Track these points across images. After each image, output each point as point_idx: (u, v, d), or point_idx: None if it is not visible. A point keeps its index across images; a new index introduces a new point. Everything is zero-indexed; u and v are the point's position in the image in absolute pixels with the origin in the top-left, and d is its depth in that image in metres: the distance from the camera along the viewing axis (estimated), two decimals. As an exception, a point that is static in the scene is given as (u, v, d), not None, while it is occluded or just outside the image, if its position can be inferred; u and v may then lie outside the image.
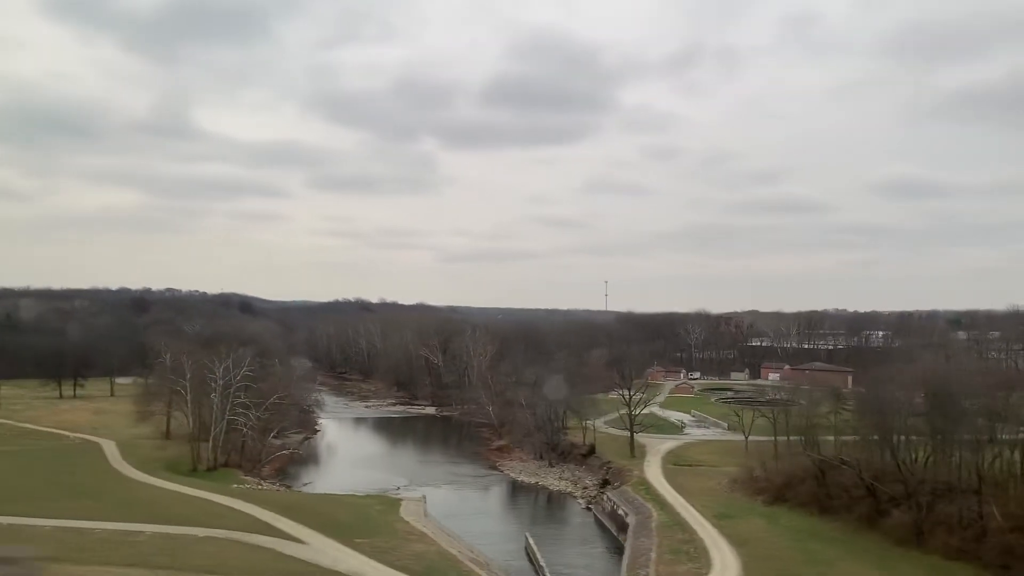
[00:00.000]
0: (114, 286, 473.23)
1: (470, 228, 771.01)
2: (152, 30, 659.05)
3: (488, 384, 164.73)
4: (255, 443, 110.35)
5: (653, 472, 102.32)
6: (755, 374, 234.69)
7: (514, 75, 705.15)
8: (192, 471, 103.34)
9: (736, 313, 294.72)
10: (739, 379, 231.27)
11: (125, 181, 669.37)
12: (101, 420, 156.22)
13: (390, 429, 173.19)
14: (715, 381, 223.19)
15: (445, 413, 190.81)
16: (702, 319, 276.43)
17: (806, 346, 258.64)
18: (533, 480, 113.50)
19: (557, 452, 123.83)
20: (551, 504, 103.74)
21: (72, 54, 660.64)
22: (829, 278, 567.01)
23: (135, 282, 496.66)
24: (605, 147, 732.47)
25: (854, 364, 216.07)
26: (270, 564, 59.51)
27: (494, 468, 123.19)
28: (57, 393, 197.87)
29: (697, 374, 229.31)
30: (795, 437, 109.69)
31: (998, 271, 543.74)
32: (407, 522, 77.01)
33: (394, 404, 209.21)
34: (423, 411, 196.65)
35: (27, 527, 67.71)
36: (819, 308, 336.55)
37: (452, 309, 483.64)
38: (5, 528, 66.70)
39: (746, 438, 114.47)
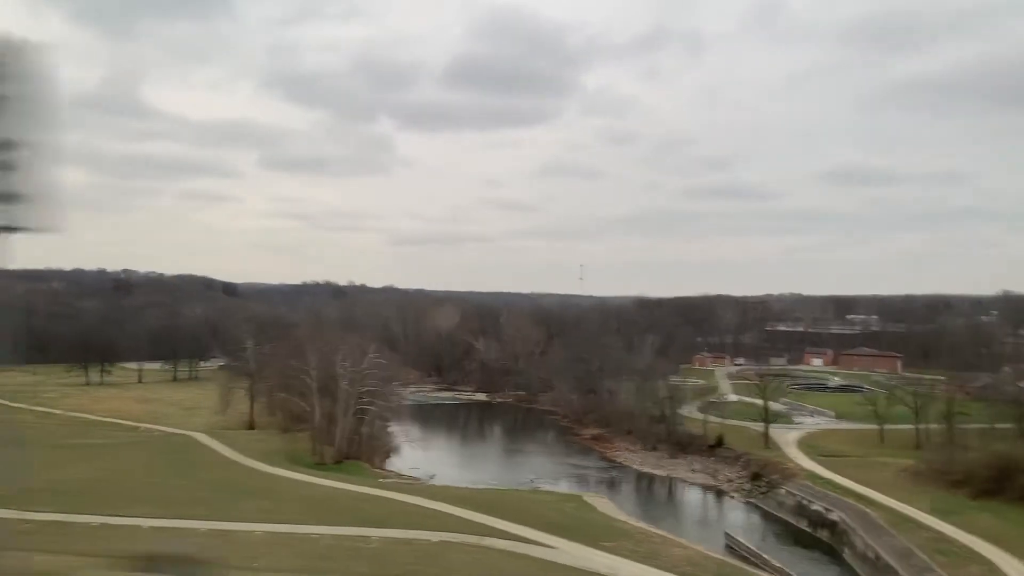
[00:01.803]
0: (67, 266, 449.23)
1: (424, 211, 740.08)
2: (106, 1, 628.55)
3: (559, 371, 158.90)
4: (375, 433, 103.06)
5: (808, 464, 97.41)
6: (794, 359, 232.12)
7: (478, 56, 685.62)
8: (319, 464, 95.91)
9: (769, 296, 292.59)
10: (779, 364, 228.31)
11: (69, 158, 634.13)
12: (156, 409, 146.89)
13: (455, 416, 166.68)
14: (764, 367, 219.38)
15: (499, 400, 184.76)
16: (729, 303, 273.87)
17: (835, 331, 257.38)
18: (663, 473, 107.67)
19: (672, 443, 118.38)
20: (697, 498, 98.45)
21: (18, 24, 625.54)
22: (776, 262, 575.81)
23: (86, 262, 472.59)
24: (564, 131, 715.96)
25: (900, 349, 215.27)
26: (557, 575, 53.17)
27: (608, 459, 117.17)
28: (83, 380, 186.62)
29: (741, 360, 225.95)
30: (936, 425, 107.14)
31: (933, 255, 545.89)
32: (625, 521, 71.08)
33: (437, 390, 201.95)
34: (472, 397, 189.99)
35: (234, 532, 60.24)
36: (774, 292, 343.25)
37: (420, 292, 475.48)
38: (210, 533, 59.20)
39: (881, 428, 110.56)
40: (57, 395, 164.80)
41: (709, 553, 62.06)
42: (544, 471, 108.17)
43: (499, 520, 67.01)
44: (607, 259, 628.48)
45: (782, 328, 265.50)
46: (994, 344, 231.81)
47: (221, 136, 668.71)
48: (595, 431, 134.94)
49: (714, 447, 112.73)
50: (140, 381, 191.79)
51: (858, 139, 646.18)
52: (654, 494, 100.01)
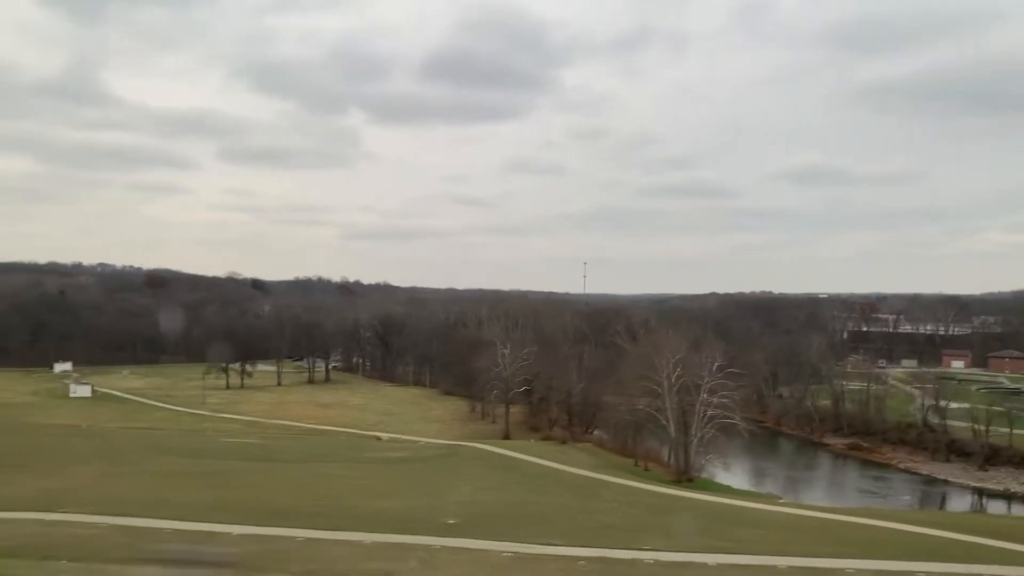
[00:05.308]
0: (41, 260, 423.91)
1: (383, 206, 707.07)
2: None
3: (765, 377, 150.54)
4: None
5: None
6: (926, 362, 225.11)
7: (458, 50, 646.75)
8: (676, 480, 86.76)
9: (878, 296, 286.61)
10: (911, 367, 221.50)
11: (19, 147, 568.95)
12: (355, 416, 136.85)
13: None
14: (905, 369, 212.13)
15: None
16: (835, 304, 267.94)
17: (950, 332, 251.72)
18: (997, 487, 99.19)
19: (968, 453, 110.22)
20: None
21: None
22: (728, 260, 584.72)
23: (39, 255, 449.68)
24: (535, 127, 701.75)
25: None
26: None
27: (912, 473, 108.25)
28: (224, 382, 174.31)
29: (883, 362, 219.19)
30: None
31: (882, 255, 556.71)
32: None
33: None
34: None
35: (829, 570, 50.81)
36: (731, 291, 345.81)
37: (413, 289, 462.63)
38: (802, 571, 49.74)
39: None
40: (221, 400, 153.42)
41: None
42: (872, 487, 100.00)
43: None
44: (563, 255, 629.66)
45: (905, 330, 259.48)
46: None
47: (181, 126, 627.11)
48: (846, 440, 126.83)
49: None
50: (279, 384, 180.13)
51: (824, 140, 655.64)
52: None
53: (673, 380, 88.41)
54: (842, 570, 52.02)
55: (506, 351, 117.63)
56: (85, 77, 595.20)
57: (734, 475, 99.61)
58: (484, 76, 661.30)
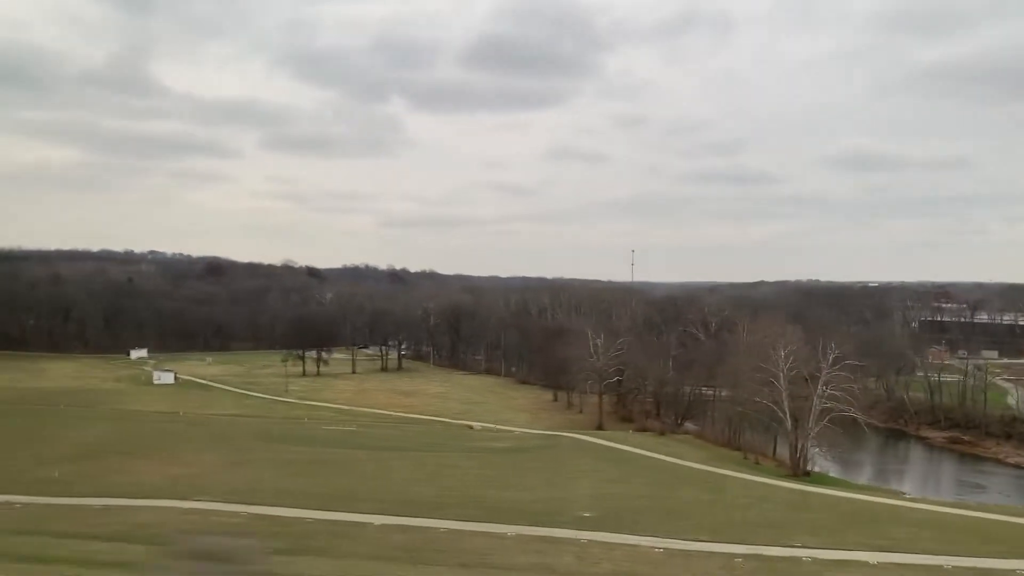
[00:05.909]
0: (93, 247, 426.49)
1: (424, 193, 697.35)
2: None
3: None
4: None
5: None
6: (1008, 353, 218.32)
7: (500, 36, 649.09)
8: (791, 475, 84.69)
9: (935, 284, 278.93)
10: (991, 358, 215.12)
11: (66, 136, 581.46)
12: (436, 405, 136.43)
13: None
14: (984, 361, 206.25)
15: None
16: (905, 293, 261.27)
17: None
18: None
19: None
20: None
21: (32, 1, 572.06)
22: (772, 247, 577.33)
23: (90, 243, 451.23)
24: (576, 113, 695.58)
25: None
26: None
27: (1021, 467, 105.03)
28: (300, 369, 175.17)
29: (964, 353, 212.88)
30: None
31: (935, 242, 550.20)
32: None
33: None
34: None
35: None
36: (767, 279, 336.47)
37: (460, 277, 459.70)
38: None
39: None
40: (302, 388, 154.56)
41: None
42: (983, 482, 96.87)
43: None
44: (605, 242, 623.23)
45: (981, 319, 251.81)
46: None
47: (225, 115, 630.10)
48: (945, 434, 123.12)
49: None
50: (354, 371, 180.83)
51: (871, 125, 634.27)
52: None
53: (786, 371, 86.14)
54: (1013, 571, 49.82)
55: (599, 340, 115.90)
56: (132, 66, 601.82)
57: (840, 468, 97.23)
58: (526, 62, 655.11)
